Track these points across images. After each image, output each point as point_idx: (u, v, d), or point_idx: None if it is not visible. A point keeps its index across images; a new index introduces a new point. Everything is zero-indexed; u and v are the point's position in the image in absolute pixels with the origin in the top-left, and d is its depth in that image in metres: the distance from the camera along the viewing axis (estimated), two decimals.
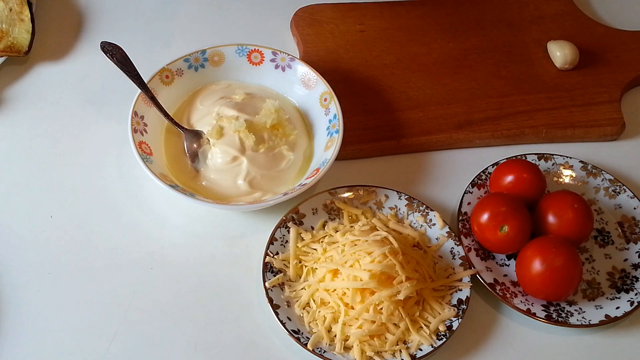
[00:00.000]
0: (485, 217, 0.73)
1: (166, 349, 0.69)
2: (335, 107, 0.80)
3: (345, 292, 0.68)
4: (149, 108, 0.79)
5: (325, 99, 0.81)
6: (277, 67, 0.84)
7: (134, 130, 0.75)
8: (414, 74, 0.91)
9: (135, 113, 0.77)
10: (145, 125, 0.77)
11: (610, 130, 0.87)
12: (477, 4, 1.00)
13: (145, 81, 0.79)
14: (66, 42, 0.93)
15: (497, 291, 0.71)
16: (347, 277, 0.68)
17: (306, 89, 0.83)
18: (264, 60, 0.84)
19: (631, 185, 0.81)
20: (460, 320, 0.69)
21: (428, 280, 0.71)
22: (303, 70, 0.83)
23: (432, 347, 0.67)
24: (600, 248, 0.77)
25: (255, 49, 0.84)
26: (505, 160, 0.81)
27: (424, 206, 0.77)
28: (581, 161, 0.82)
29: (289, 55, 0.84)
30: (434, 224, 0.76)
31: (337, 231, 0.74)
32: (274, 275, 0.71)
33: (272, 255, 0.73)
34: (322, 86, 0.82)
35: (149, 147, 0.76)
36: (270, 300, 0.69)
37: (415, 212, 0.77)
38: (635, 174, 0.84)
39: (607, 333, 0.72)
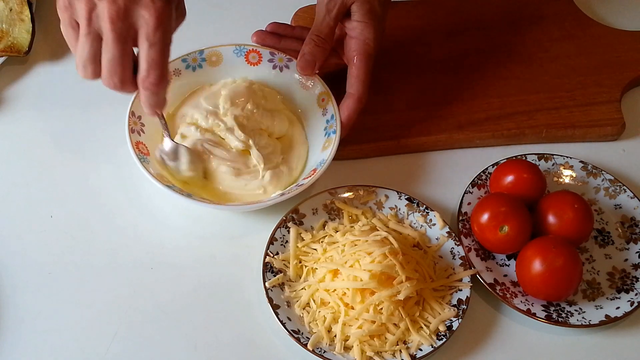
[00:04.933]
0: (485, 217, 0.73)
1: (166, 349, 0.69)
2: (332, 108, 0.80)
3: (345, 292, 0.68)
4: None
5: (323, 99, 0.81)
6: (274, 67, 0.84)
7: (131, 131, 0.75)
8: (414, 74, 0.91)
9: (132, 113, 0.77)
10: (143, 125, 0.77)
11: (610, 130, 0.87)
12: (477, 4, 1.00)
13: None
14: (66, 42, 0.93)
15: (497, 291, 0.71)
16: (347, 277, 0.68)
17: (303, 90, 0.83)
18: (261, 60, 0.84)
19: (631, 185, 0.81)
20: (460, 320, 0.69)
21: (428, 280, 0.71)
22: None
23: (432, 347, 0.67)
24: (600, 248, 0.77)
25: (253, 49, 0.84)
26: (505, 160, 0.81)
27: (424, 206, 0.77)
28: (581, 161, 0.82)
29: (286, 55, 0.84)
30: (434, 224, 0.76)
31: (337, 231, 0.74)
32: (274, 275, 0.71)
33: (272, 255, 0.73)
34: (319, 86, 0.82)
35: (147, 147, 0.76)
36: (270, 300, 0.69)
37: (415, 212, 0.77)
38: (635, 174, 0.84)
39: (607, 333, 0.72)
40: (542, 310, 0.71)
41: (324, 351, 0.67)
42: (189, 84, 0.83)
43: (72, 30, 0.65)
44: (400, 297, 0.67)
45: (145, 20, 0.62)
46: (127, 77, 0.64)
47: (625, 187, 0.80)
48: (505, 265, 0.75)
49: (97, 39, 0.63)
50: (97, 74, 0.65)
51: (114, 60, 0.63)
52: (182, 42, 0.89)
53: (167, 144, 0.76)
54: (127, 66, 0.64)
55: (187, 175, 0.76)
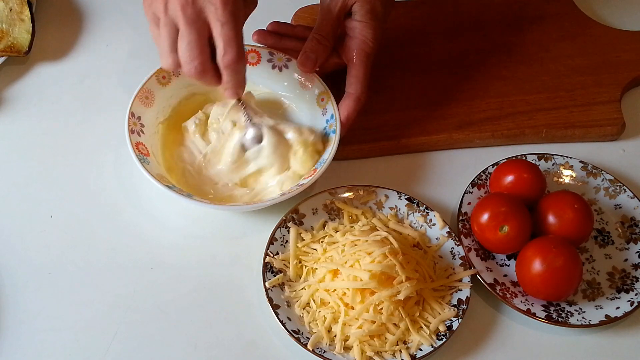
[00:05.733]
0: (485, 217, 0.73)
1: (166, 349, 0.69)
2: (332, 107, 0.80)
3: (345, 292, 0.68)
4: (146, 109, 0.79)
5: (322, 99, 0.81)
6: (273, 67, 0.84)
7: (131, 131, 0.75)
8: (414, 74, 0.91)
9: (132, 114, 0.77)
10: (142, 126, 0.77)
11: (610, 130, 0.87)
12: (477, 4, 1.00)
13: (142, 82, 0.79)
14: (66, 42, 0.94)
15: (497, 291, 0.71)
16: (347, 277, 0.68)
17: (303, 89, 0.83)
18: (260, 60, 0.84)
19: (631, 185, 0.81)
20: (460, 320, 0.69)
21: (428, 280, 0.71)
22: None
23: (432, 347, 0.67)
24: (600, 248, 0.77)
25: (251, 49, 0.84)
26: (505, 160, 0.81)
27: (424, 206, 0.77)
28: (581, 161, 0.82)
29: (286, 55, 0.84)
30: (434, 224, 0.76)
31: (337, 231, 0.74)
32: (274, 275, 0.71)
33: (272, 255, 0.73)
34: (319, 86, 0.82)
35: (146, 147, 0.76)
36: (270, 300, 0.69)
37: (415, 212, 0.77)
38: (635, 174, 0.84)
39: (607, 333, 0.72)
40: (542, 310, 0.71)
41: (324, 351, 0.67)
42: (188, 85, 0.83)
43: (155, 26, 0.68)
44: (400, 297, 0.67)
45: (212, 2, 0.64)
46: (206, 61, 0.67)
47: (625, 187, 0.80)
48: (505, 265, 0.75)
49: (174, 29, 0.66)
50: (177, 63, 0.68)
51: (190, 45, 0.65)
52: None
53: (251, 131, 0.77)
54: (204, 50, 0.66)
55: (266, 160, 0.77)
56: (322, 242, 0.74)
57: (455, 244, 0.75)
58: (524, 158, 0.82)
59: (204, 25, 0.66)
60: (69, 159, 0.82)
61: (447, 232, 0.76)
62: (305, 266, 0.73)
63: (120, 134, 0.76)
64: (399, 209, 0.78)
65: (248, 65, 0.84)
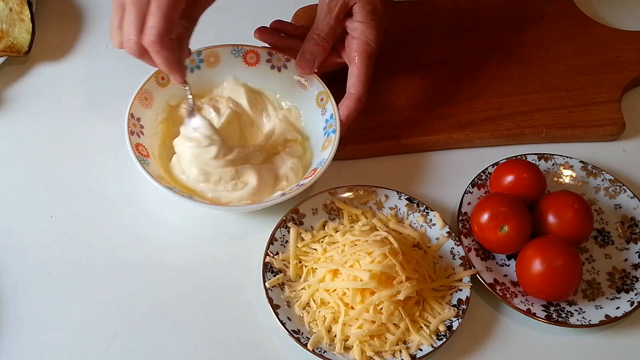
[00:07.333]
0: (485, 217, 0.73)
1: (166, 349, 0.69)
2: (331, 107, 0.80)
3: (345, 292, 0.68)
4: (146, 110, 0.79)
5: (322, 99, 0.81)
6: (272, 67, 0.84)
7: (131, 132, 0.75)
8: (414, 74, 0.91)
9: (131, 115, 0.77)
10: (142, 127, 0.77)
11: (610, 130, 0.87)
12: (477, 4, 1.00)
13: (141, 83, 0.79)
14: (66, 42, 0.93)
15: (497, 291, 0.71)
16: (347, 277, 0.68)
17: (302, 89, 0.83)
18: (259, 60, 0.84)
19: (631, 185, 0.81)
20: (460, 320, 0.69)
21: (428, 280, 0.71)
22: None
23: (432, 347, 0.67)
24: (600, 248, 0.77)
25: (250, 49, 0.84)
26: (505, 160, 0.81)
27: (424, 206, 0.77)
28: (581, 161, 0.82)
29: (284, 55, 0.84)
30: (434, 224, 0.76)
31: (337, 231, 0.74)
32: (274, 275, 0.71)
33: (272, 255, 0.73)
34: (318, 86, 0.82)
35: (146, 149, 0.76)
36: (270, 300, 0.69)
37: (415, 212, 0.77)
38: (635, 174, 0.84)
39: (607, 333, 0.72)
40: (542, 310, 0.71)
41: (324, 351, 0.67)
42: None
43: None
44: (400, 297, 0.67)
45: None
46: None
47: (625, 187, 0.80)
48: (505, 265, 0.75)
49: (122, 9, 0.65)
50: (122, 42, 0.66)
51: (129, 23, 0.64)
52: None
53: (194, 121, 0.75)
54: (142, 29, 0.64)
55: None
56: (322, 242, 0.74)
57: (455, 244, 0.75)
58: (524, 158, 0.82)
59: (147, 4, 0.64)
60: (69, 159, 0.82)
61: (447, 232, 0.76)
62: (305, 266, 0.73)
63: (120, 135, 0.76)
64: (399, 209, 0.78)
65: (248, 65, 0.84)
